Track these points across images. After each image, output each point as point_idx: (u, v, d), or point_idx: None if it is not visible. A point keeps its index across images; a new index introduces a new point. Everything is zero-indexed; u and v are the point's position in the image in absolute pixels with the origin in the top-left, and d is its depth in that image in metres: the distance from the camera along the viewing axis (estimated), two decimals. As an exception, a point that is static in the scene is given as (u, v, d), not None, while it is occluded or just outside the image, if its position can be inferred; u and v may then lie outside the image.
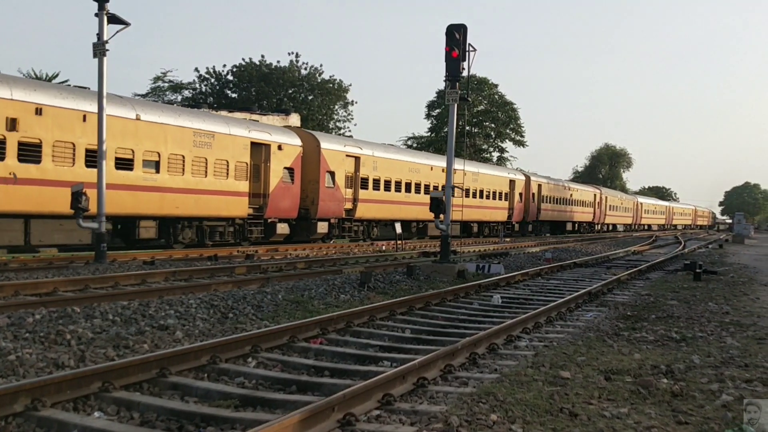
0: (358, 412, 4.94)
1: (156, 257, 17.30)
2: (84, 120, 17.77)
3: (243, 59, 52.45)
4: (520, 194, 45.68)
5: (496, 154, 67.66)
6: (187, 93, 51.96)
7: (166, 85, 51.01)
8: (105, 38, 15.90)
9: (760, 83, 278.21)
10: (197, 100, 47.67)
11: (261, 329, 7.77)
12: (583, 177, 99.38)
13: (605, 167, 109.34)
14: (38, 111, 16.80)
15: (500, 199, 42.37)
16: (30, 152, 16.70)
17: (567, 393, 5.64)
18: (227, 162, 22.28)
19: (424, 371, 6.00)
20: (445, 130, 30.30)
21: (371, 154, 30.17)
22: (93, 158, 17.44)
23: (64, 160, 17.44)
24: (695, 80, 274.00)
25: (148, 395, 5.57)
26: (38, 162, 16.85)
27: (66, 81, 35.51)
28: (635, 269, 18.07)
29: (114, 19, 15.96)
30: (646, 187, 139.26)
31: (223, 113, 26.43)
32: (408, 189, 32.39)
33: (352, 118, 56.46)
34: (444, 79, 16.47)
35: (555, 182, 53.36)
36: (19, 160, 16.44)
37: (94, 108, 17.44)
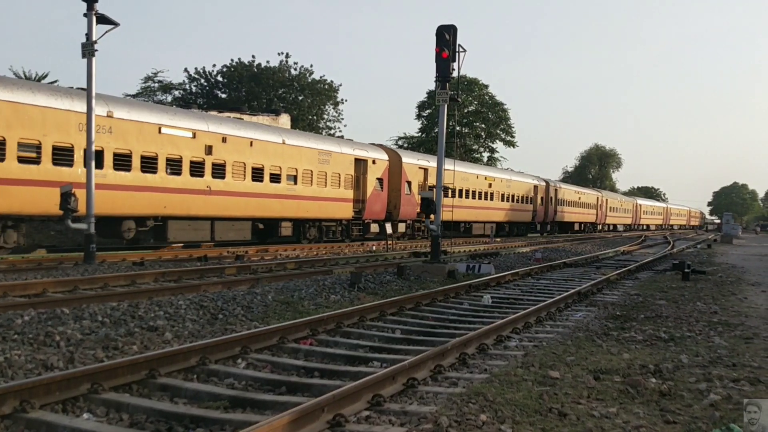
0: (348, 412, 4.94)
1: (145, 258, 17.23)
2: (251, 145, 22.96)
3: (233, 60, 52.32)
4: (542, 198, 50.84)
5: (486, 155, 67.81)
6: (177, 93, 51.75)
7: (157, 85, 50.81)
8: (94, 38, 15.81)
9: (750, 83, 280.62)
10: (187, 101, 47.47)
11: (251, 330, 7.75)
12: (573, 177, 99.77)
13: (595, 167, 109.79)
14: (224, 140, 21.81)
15: (527, 202, 47.88)
16: (218, 170, 21.65)
17: (556, 393, 5.67)
18: (339, 175, 27.50)
19: (414, 372, 6.01)
20: (436, 130, 30.85)
21: (435, 166, 33.00)
22: (257, 174, 23.10)
23: (238, 176, 22.46)
24: (685, 81, 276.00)
25: (138, 396, 5.56)
26: (223, 177, 21.82)
27: (55, 81, 35.32)
28: (624, 269, 18.16)
29: (103, 20, 15.87)
30: (636, 187, 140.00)
31: (213, 113, 26.93)
32: (461, 195, 37.61)
33: (343, 119, 56.49)
34: (434, 79, 16.50)
35: (567, 187, 58.39)
36: (212, 177, 21.39)
37: (258, 136, 23.45)
